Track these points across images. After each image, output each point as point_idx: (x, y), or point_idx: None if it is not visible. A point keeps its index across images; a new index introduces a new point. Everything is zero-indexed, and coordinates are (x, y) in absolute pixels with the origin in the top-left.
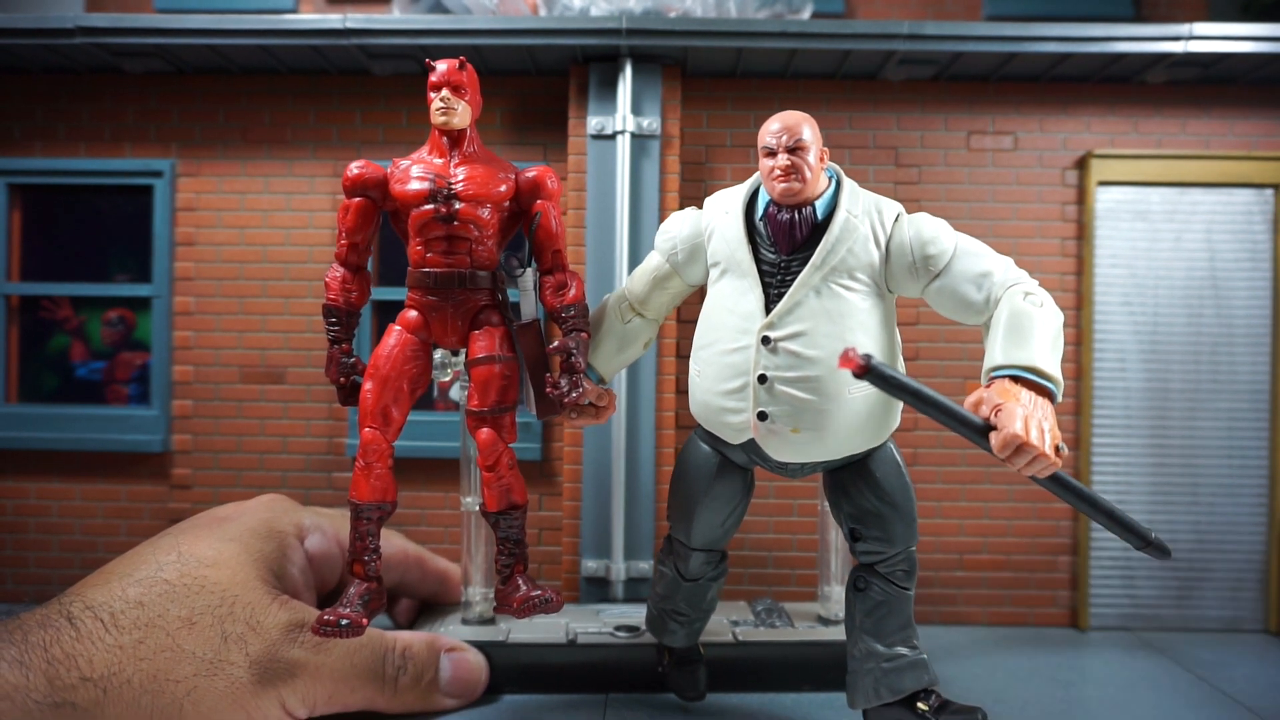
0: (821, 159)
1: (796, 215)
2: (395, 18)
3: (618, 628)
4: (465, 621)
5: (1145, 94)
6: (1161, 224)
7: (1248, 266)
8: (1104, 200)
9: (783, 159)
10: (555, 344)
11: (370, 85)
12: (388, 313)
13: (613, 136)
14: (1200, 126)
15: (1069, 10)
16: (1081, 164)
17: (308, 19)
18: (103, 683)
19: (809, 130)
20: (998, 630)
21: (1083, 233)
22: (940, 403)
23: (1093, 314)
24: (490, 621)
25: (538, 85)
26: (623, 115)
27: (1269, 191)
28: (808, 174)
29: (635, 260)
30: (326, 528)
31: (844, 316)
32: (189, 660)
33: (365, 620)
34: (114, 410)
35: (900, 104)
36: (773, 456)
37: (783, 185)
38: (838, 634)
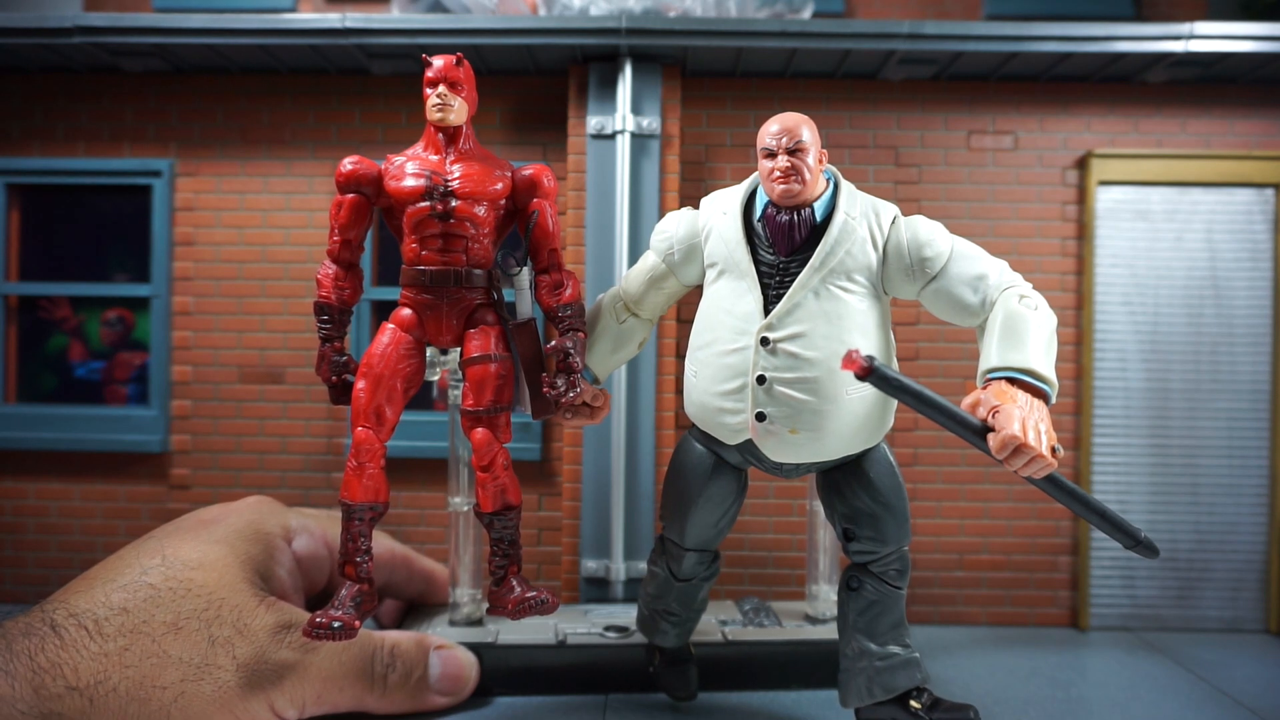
0: (820, 161)
1: (795, 217)
2: (394, 17)
3: (607, 628)
4: (453, 623)
5: (1145, 94)
6: (1162, 224)
7: (1248, 266)
8: (1104, 200)
9: (782, 160)
10: (552, 344)
11: (369, 85)
12: (387, 313)
13: (612, 136)
14: (1200, 126)
15: (1069, 10)
16: (1082, 164)
17: (307, 18)
18: (89, 691)
19: (808, 132)
20: (998, 630)
21: (1083, 232)
22: (939, 404)
23: (1093, 314)
24: (478, 623)
25: (537, 85)
26: (622, 115)
27: (1269, 191)
28: (807, 176)
29: (635, 260)
30: (314, 529)
31: (842, 318)
32: (175, 665)
33: (357, 622)
34: (113, 410)
35: (900, 104)
36: (770, 457)
37: (782, 187)
38: (826, 632)
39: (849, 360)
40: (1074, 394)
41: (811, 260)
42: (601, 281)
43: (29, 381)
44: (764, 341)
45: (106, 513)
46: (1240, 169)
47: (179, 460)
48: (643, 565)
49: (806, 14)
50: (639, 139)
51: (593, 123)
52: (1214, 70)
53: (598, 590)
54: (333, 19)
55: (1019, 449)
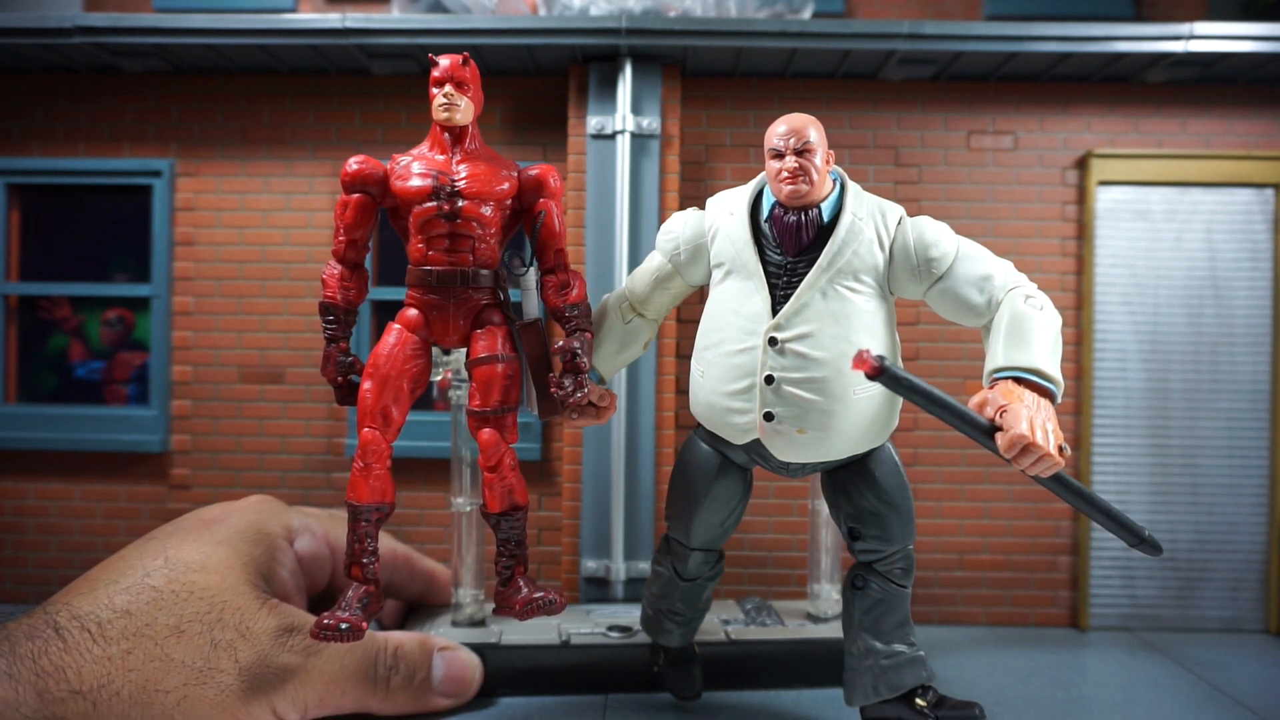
0: (827, 161)
1: (803, 217)
2: (394, 17)
3: (611, 628)
4: (455, 624)
5: (1145, 94)
6: (1161, 224)
7: (1248, 266)
8: (1104, 200)
9: (790, 161)
10: (560, 344)
11: (370, 85)
12: (388, 312)
13: (612, 136)
14: (1200, 126)
15: (1069, 10)
16: (1081, 164)
17: (307, 18)
18: (92, 695)
19: (815, 133)
20: (998, 630)
21: (1083, 232)
22: (948, 403)
23: (1093, 314)
24: (481, 624)
25: (537, 85)
26: (622, 115)
27: (1269, 191)
28: (814, 176)
29: (635, 260)
30: (315, 529)
31: (849, 318)
32: (178, 669)
33: (365, 624)
34: (113, 410)
35: (900, 104)
36: (778, 457)
37: (790, 187)
38: (829, 631)
39: (860, 360)
40: (1074, 394)
41: (819, 260)
42: (602, 281)
43: (29, 381)
44: (772, 341)
45: (106, 513)
46: (1240, 169)
47: (179, 460)
48: (643, 565)
49: (806, 14)
50: (639, 139)
51: (593, 123)
52: (1214, 70)
53: (598, 590)
54: (333, 19)
55: (1027, 448)
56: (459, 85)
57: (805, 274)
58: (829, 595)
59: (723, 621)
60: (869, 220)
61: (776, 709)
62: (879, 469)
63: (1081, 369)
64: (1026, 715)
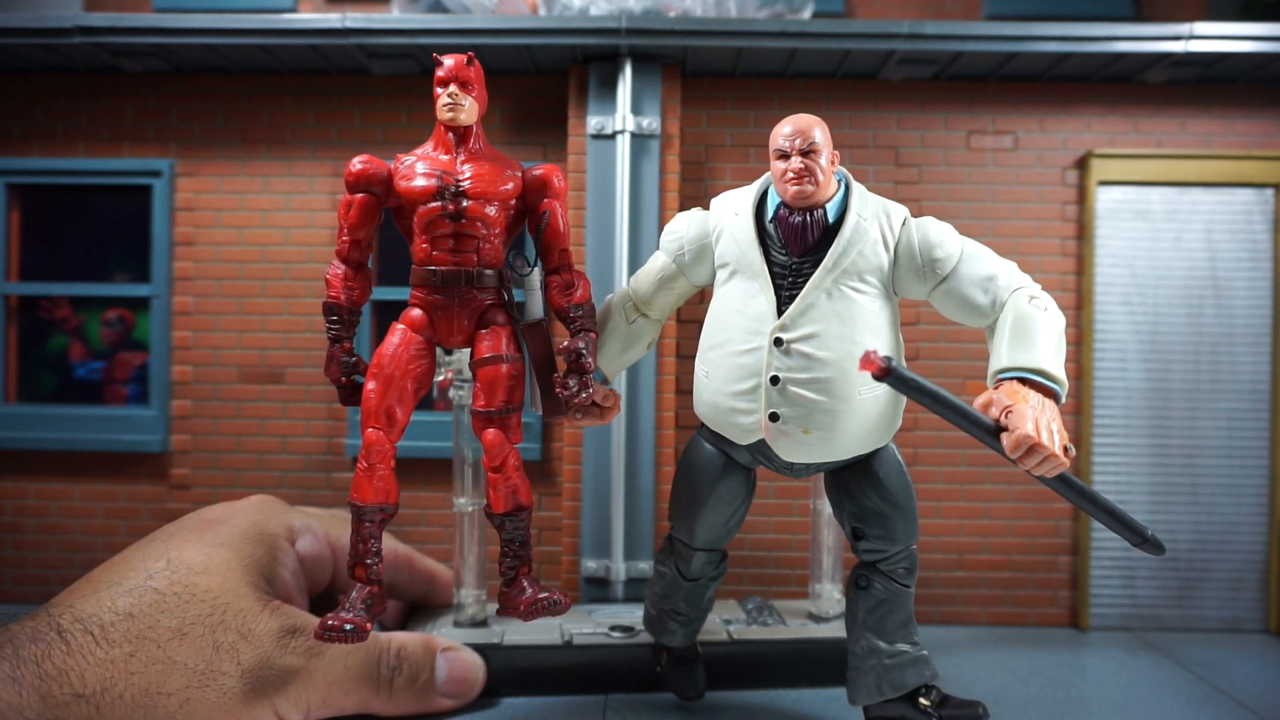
0: (832, 162)
1: (808, 218)
2: (394, 17)
3: (613, 628)
4: (457, 624)
5: (1145, 94)
6: (1162, 224)
7: (1248, 266)
8: (1104, 200)
9: (796, 162)
10: (565, 344)
11: (370, 85)
12: (388, 312)
13: (612, 136)
14: (1200, 126)
15: (1069, 10)
16: (1082, 164)
17: (307, 18)
18: (95, 699)
19: (820, 133)
20: (998, 630)
21: (1083, 232)
22: (954, 404)
23: (1093, 314)
24: (483, 624)
25: (537, 85)
26: (622, 115)
27: (1269, 191)
28: (820, 177)
29: (635, 260)
30: (317, 529)
31: (854, 318)
32: (181, 672)
33: (369, 625)
34: (113, 410)
35: (900, 103)
36: (782, 457)
37: (795, 188)
38: (831, 631)
39: (867, 361)
40: (1074, 394)
41: (825, 261)
42: (602, 282)
43: (29, 381)
44: (777, 342)
45: (106, 513)
46: (1240, 169)
47: (179, 460)
48: (643, 565)
49: (806, 14)
50: (639, 139)
51: (593, 123)
52: (1214, 70)
53: (598, 590)
54: (333, 19)
55: (1033, 448)
56: (463, 85)
57: (810, 274)
58: (830, 595)
59: (725, 621)
60: (874, 221)
61: (779, 708)
62: (883, 469)
63: (1081, 369)
64: (1026, 715)
